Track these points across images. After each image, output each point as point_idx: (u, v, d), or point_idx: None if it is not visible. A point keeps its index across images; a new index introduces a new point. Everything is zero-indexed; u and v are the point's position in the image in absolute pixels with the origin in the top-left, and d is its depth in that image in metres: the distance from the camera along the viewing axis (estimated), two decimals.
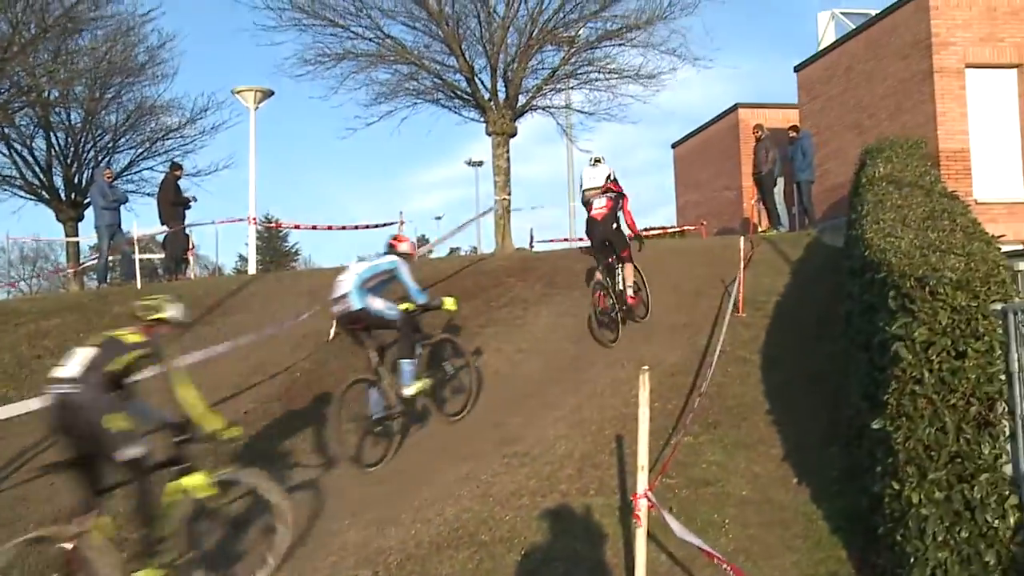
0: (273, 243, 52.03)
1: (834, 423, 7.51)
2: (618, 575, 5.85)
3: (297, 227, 19.29)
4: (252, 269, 19.07)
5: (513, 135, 18.57)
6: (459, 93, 18.74)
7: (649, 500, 5.21)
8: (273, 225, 36.87)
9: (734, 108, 23.03)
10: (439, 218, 57.19)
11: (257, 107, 19.44)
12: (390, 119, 18.95)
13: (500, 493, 7.09)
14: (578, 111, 19.93)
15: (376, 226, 20.22)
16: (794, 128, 17.00)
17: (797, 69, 19.07)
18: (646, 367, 5.36)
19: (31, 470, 8.66)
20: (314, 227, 23.64)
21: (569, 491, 7.00)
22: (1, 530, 7.42)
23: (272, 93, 19.92)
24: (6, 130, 21.79)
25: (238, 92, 19.47)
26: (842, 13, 19.45)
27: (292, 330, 11.27)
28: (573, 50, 18.29)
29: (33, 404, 7.96)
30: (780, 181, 16.65)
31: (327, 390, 9.73)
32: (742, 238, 12.19)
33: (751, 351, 9.53)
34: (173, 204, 17.03)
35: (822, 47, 18.74)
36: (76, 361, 5.67)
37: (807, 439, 7.51)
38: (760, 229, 16.97)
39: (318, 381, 10.03)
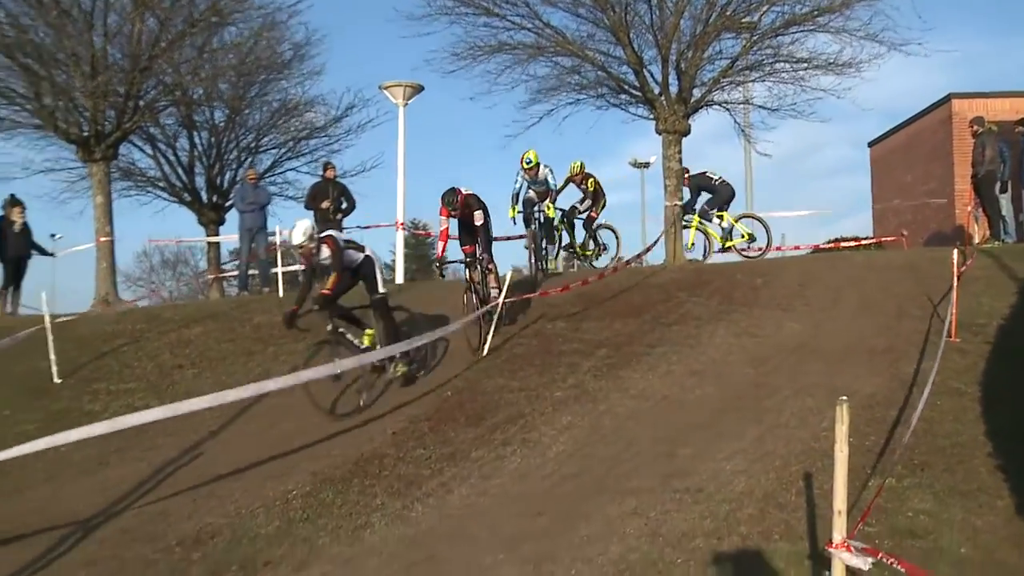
0: (421, 249, 52.96)
1: None
2: None
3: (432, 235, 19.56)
4: (400, 278, 19.50)
5: (686, 134, 18.28)
6: (626, 87, 18.60)
7: (849, 549, 5.00)
8: (421, 232, 37.55)
9: (947, 99, 22.09)
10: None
11: (406, 103, 19.89)
12: (550, 118, 19.00)
13: (671, 533, 6.95)
14: (759, 107, 19.36)
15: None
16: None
17: None
18: (844, 397, 5.16)
19: (173, 485, 9.14)
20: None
21: (750, 534, 6.80)
22: (141, 545, 7.83)
23: (422, 88, 20.37)
24: (151, 130, 23.01)
25: (386, 88, 19.98)
26: None
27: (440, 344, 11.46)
28: (755, 38, 17.80)
29: (182, 408, 8.30)
30: (1006, 184, 15.83)
31: (479, 410, 9.87)
32: (955, 250, 11.64)
33: (967, 383, 9.08)
34: (324, 208, 17.54)
35: None
36: None
37: None
38: (977, 240, 16.22)
39: (469, 402, 10.14)
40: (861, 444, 8.00)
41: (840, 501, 5.04)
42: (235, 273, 25.30)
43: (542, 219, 15.86)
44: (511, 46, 18.28)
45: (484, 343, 11.61)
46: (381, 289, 11.14)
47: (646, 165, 39.25)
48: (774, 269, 14.31)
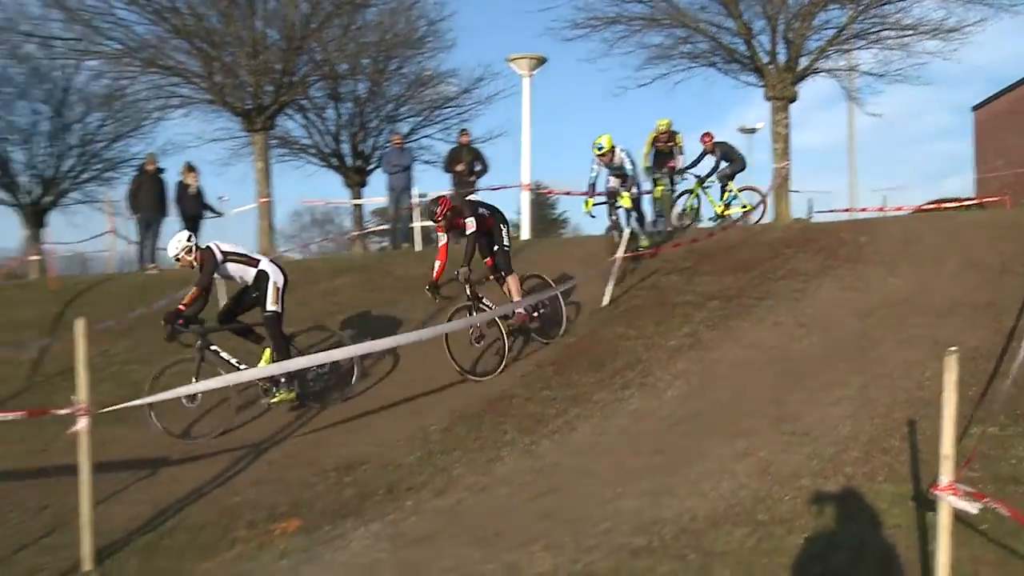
0: (542, 211, 53.03)
1: None
2: (912, 572, 5.48)
3: (568, 193, 19.59)
4: (525, 235, 19.54)
5: (793, 100, 17.76)
6: (736, 57, 18.16)
7: (956, 492, 4.82)
8: (545, 192, 37.51)
9: None
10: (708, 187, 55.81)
11: (531, 74, 19.80)
12: (663, 82, 18.69)
13: (779, 472, 6.84)
14: (866, 73, 18.67)
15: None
16: None
17: None
18: (953, 348, 4.96)
19: (328, 418, 9.38)
20: (584, 193, 23.75)
21: (855, 475, 6.64)
22: (301, 469, 8.08)
23: (545, 60, 20.23)
24: (303, 102, 23.52)
25: (512, 60, 19.91)
26: None
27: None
28: (862, 6, 17.17)
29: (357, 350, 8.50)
30: None
31: (599, 357, 9.85)
32: None
33: None
34: (460, 171, 17.70)
35: None
36: None
37: None
38: None
39: (594, 346, 10.13)
40: (963, 394, 7.60)
41: (948, 446, 4.86)
42: (376, 230, 25.83)
43: (622, 210, 13.21)
44: (627, 17, 18.01)
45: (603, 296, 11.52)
46: (270, 307, 9.76)
47: (753, 131, 38.29)
48: (878, 228, 13.81)
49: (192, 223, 17.77)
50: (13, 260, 24.20)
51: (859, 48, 18.16)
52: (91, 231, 39.44)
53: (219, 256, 9.72)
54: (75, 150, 26.52)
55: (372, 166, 25.14)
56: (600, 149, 12.59)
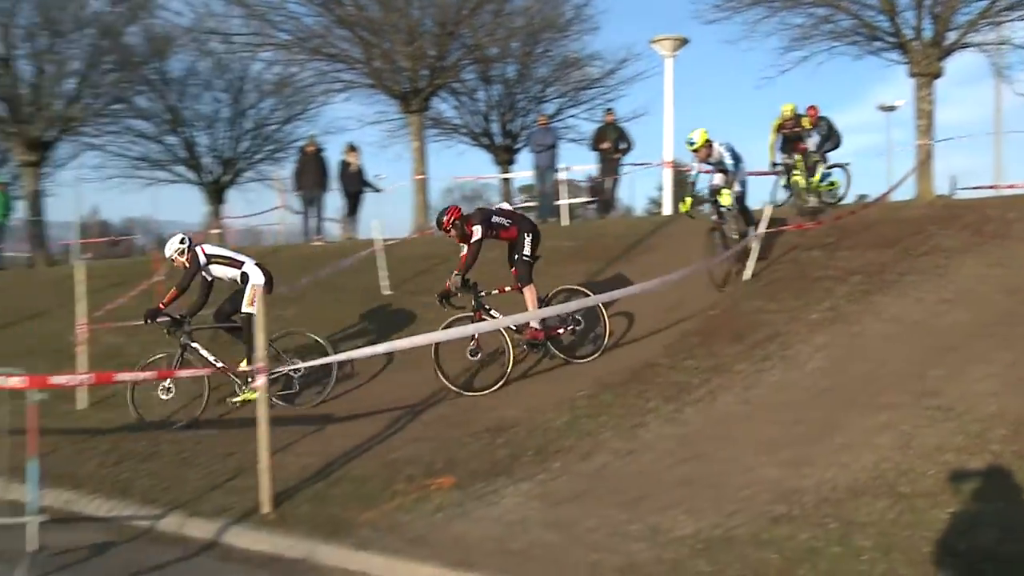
0: (682, 188, 52.30)
1: None
2: None
3: (708, 172, 19.31)
4: (667, 210, 19.31)
5: (938, 76, 16.84)
6: (879, 34, 17.35)
7: None
8: (685, 168, 37.04)
9: None
10: (845, 165, 53.52)
11: (673, 55, 19.50)
12: (806, 64, 18.03)
13: (922, 446, 6.56)
14: (1020, 46, 17.39)
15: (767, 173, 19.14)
16: None
17: None
18: None
19: None
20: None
21: (1002, 453, 6.29)
22: (456, 429, 8.24)
23: (687, 41, 19.87)
24: (455, 85, 23.85)
25: (655, 42, 19.63)
26: None
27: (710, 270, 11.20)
28: None
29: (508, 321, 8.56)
30: None
31: (741, 328, 9.66)
32: None
33: None
34: (605, 149, 17.64)
35: None
36: None
37: None
38: None
39: (735, 319, 9.94)
40: None
41: None
42: (523, 206, 25.98)
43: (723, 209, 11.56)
44: None
45: (742, 272, 11.24)
46: (245, 308, 9.62)
47: (892, 108, 36.63)
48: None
49: (353, 199, 18.30)
50: (199, 233, 25.46)
51: (1013, 20, 16.98)
52: (263, 207, 41.15)
53: (203, 259, 9.87)
54: (250, 133, 27.73)
55: (520, 145, 25.34)
56: (691, 144, 11.28)
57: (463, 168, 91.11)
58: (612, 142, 17.76)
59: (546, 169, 18.23)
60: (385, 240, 13.47)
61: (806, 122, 14.44)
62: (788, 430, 7.29)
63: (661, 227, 14.72)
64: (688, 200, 11.68)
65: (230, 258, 10.05)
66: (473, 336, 9.47)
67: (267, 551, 6.35)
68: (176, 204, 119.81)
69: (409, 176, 21.05)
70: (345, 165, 18.08)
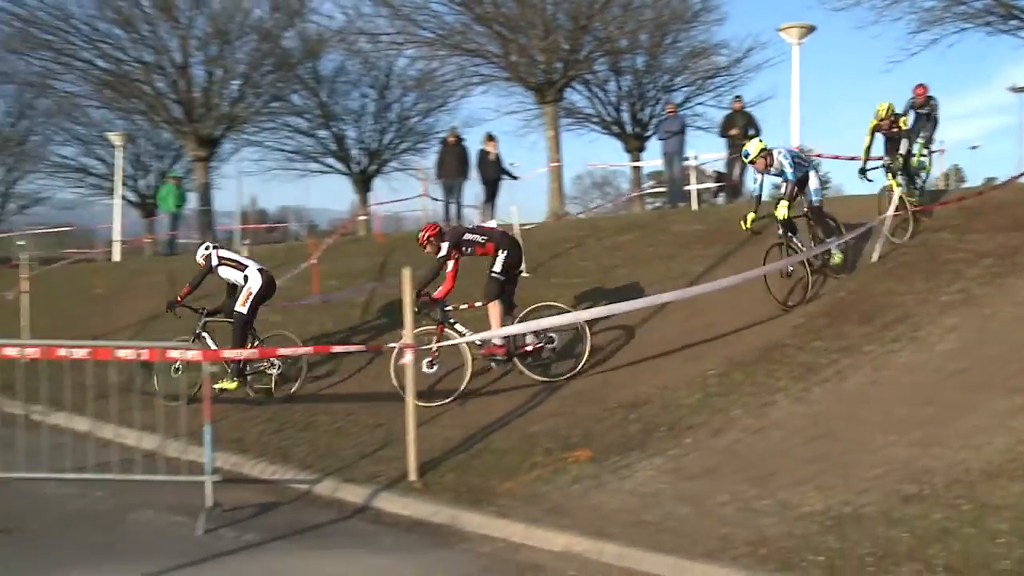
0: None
1: None
2: None
3: (836, 157, 18.61)
4: None
5: None
6: (1016, 12, 16.37)
7: None
8: (813, 154, 35.94)
9: None
10: (975, 147, 50.29)
11: (800, 42, 18.89)
12: (935, 46, 17.22)
13: None
14: None
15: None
16: None
17: None
18: None
19: (613, 361, 9.54)
20: (852, 158, 22.46)
21: None
22: (590, 405, 8.30)
23: (814, 28, 19.22)
24: (587, 76, 23.84)
25: (782, 29, 19.05)
26: None
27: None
28: None
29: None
30: None
31: (870, 310, 9.36)
32: None
33: None
34: (734, 135, 17.32)
35: None
36: None
37: None
38: None
39: (863, 301, 9.62)
40: None
41: None
42: (652, 192, 25.75)
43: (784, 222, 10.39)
44: None
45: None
46: (237, 307, 10.06)
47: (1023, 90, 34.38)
48: None
49: (491, 186, 18.50)
50: (348, 220, 26.29)
51: None
52: (406, 194, 42.09)
53: (215, 261, 10.45)
54: (394, 126, 28.52)
55: (649, 133, 25.17)
56: (746, 157, 10.45)
57: (595, 156, 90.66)
58: (740, 128, 17.37)
59: (673, 155, 18.01)
60: (522, 225, 13.59)
61: (904, 122, 12.02)
62: (918, 411, 7.03)
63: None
64: (751, 216, 10.32)
65: (237, 262, 10.57)
66: (434, 350, 9.30)
67: (414, 516, 6.56)
68: (326, 193, 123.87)
69: (544, 164, 21.19)
70: (484, 154, 18.28)
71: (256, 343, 10.11)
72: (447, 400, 9.27)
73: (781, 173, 10.41)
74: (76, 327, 12.97)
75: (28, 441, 6.71)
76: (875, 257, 10.76)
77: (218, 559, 5.73)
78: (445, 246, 9.46)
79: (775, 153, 10.34)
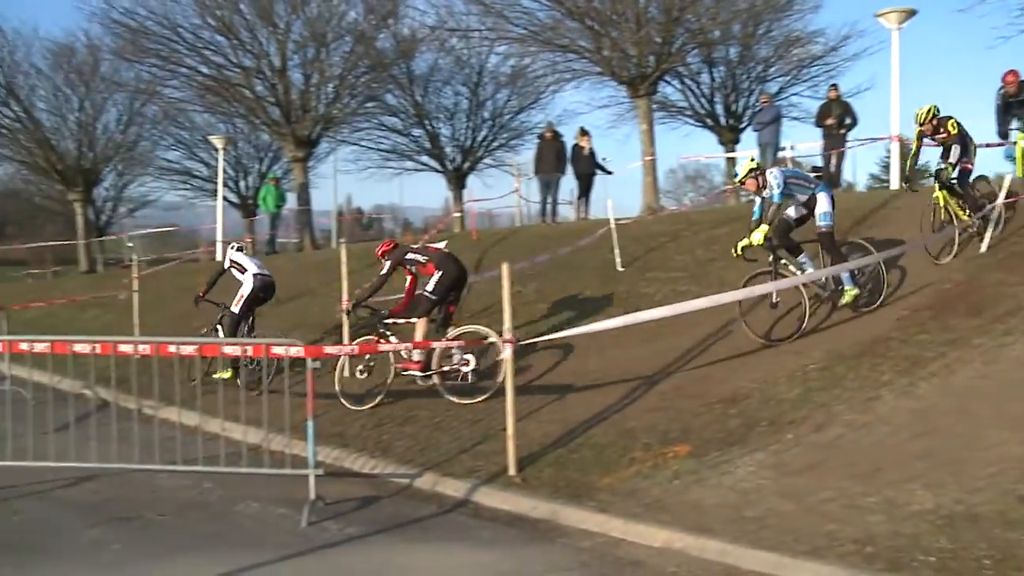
0: (905, 161, 48.95)
1: None
2: None
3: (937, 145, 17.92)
4: (894, 184, 18.21)
5: None
6: None
7: None
8: (909, 143, 34.81)
9: None
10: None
11: (900, 27, 18.29)
12: None
13: None
14: None
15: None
16: None
17: None
18: None
19: (711, 355, 9.42)
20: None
21: None
22: (689, 400, 8.23)
23: (914, 12, 18.59)
24: (680, 69, 23.58)
25: (881, 15, 18.49)
26: None
27: (937, 243, 10.41)
28: None
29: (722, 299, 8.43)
30: None
31: (979, 302, 8.99)
32: None
33: None
34: (830, 125, 16.95)
35: None
36: None
37: None
38: None
39: (971, 293, 9.25)
40: None
41: None
42: None
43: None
44: None
45: (983, 242, 10.27)
46: (232, 306, 11.10)
47: None
48: None
49: (585, 181, 18.49)
50: (444, 217, 26.63)
51: None
52: (500, 191, 42.34)
53: (227, 263, 11.55)
54: (487, 123, 28.76)
55: (744, 124, 24.77)
56: (735, 178, 9.83)
57: (689, 149, 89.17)
58: (836, 118, 16.96)
59: (767, 145, 17.68)
60: (617, 220, 13.53)
61: (952, 125, 10.12)
62: None
63: (888, 202, 13.88)
64: (739, 247, 9.65)
65: (241, 265, 11.38)
66: (367, 356, 10.01)
67: (513, 511, 6.63)
68: (417, 191, 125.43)
69: (637, 158, 21.04)
70: (578, 149, 18.29)
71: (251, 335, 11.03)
72: (369, 405, 9.76)
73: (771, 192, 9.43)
74: (182, 325, 13.47)
75: (142, 434, 7.00)
76: (983, 248, 10.34)
77: (322, 551, 5.89)
78: (387, 264, 10.06)
79: (768, 174, 9.51)
